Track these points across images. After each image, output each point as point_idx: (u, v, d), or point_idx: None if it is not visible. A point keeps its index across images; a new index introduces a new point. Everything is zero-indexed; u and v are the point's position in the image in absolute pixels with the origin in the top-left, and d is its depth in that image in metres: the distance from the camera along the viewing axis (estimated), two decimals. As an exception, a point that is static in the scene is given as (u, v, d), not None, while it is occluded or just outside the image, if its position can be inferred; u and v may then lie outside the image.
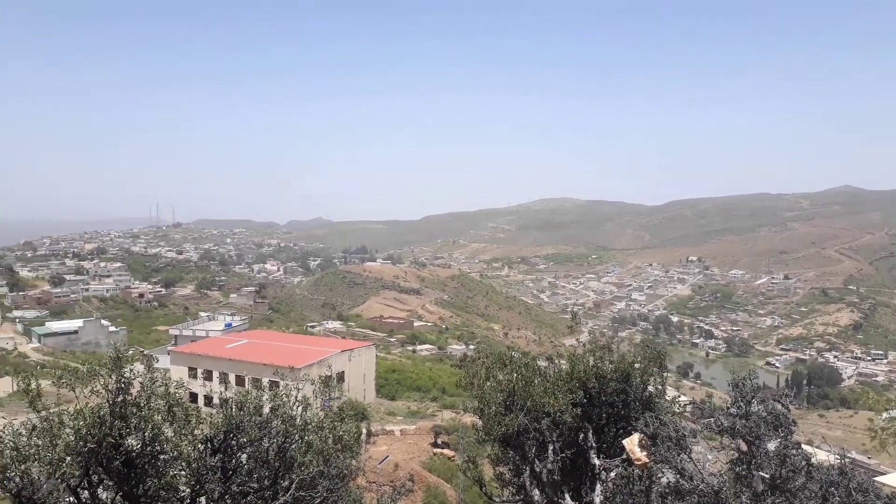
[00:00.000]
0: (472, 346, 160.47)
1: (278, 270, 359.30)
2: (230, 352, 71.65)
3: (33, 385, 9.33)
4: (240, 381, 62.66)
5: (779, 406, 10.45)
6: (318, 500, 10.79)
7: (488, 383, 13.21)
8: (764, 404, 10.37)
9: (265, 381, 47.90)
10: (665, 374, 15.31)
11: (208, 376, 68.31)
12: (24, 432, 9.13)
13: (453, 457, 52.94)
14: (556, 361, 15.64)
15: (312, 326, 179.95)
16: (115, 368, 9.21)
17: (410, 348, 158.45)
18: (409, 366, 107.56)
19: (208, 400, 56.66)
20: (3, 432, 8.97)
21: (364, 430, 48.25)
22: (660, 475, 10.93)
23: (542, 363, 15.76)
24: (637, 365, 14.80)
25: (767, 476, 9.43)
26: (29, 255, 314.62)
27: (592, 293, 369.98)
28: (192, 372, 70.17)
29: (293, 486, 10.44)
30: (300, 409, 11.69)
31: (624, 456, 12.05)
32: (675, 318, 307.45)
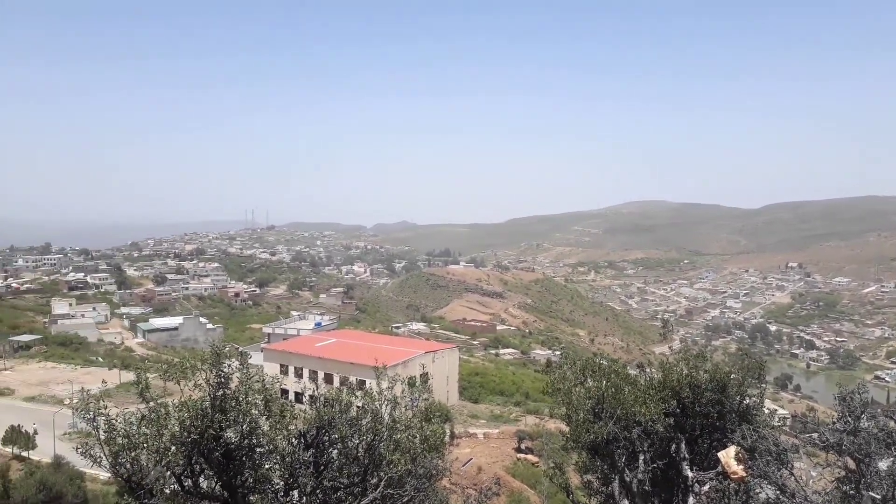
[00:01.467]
0: (556, 352, 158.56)
1: (365, 272, 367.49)
2: (319, 350, 73.79)
3: (143, 378, 9.96)
4: (328, 378, 64.52)
5: (891, 423, 9.77)
6: (406, 499, 10.94)
7: (576, 389, 12.99)
8: (874, 420, 9.72)
9: (353, 379, 49.02)
10: (763, 386, 14.59)
11: (299, 373, 70.66)
12: (134, 421, 9.75)
13: (537, 463, 52.39)
14: (647, 369, 15.21)
15: (397, 327, 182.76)
16: (215, 364, 9.68)
17: (493, 352, 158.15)
18: (492, 369, 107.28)
19: (299, 396, 58.59)
20: (116, 421, 9.59)
21: (447, 432, 48.58)
22: (758, 491, 10.45)
23: (632, 371, 15.38)
24: (733, 375, 14.20)
25: (879, 497, 8.83)
26: (135, 255, 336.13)
27: (684, 300, 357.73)
28: (284, 369, 72.79)
29: (382, 483, 10.62)
30: (388, 408, 11.90)
31: (719, 469, 11.56)
32: (773, 327, 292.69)
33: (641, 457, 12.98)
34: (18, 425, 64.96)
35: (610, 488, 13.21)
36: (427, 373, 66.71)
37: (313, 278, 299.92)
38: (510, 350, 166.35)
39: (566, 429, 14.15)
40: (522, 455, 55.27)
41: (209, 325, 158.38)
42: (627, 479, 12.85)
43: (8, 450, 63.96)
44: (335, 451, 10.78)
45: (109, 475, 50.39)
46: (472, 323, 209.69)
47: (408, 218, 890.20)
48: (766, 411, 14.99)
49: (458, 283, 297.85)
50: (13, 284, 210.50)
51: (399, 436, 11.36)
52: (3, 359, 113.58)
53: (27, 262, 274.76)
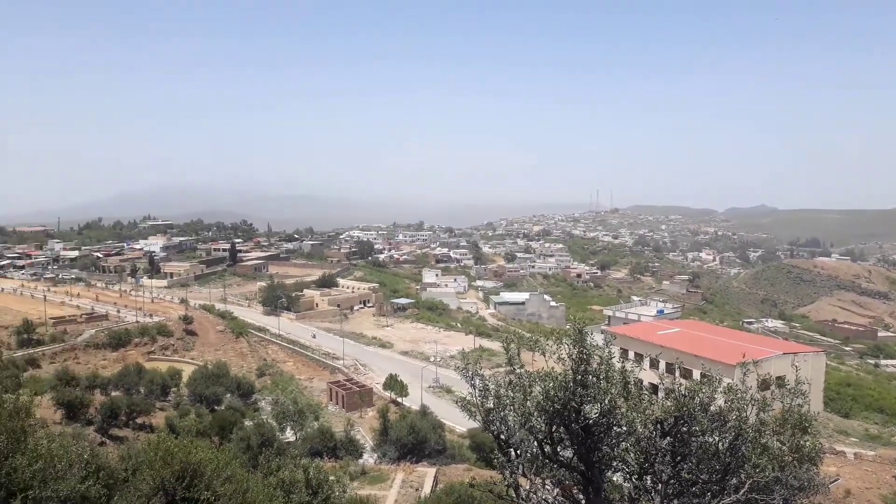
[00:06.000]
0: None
1: (714, 260, 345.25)
2: (662, 339, 71.77)
3: (512, 347, 10.79)
4: (669, 368, 62.38)
5: None
6: (774, 508, 9.97)
7: None
8: None
9: (696, 373, 46.63)
10: None
11: (638, 359, 69.81)
12: (503, 385, 10.64)
13: (928, 499, 43.50)
14: None
15: (749, 323, 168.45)
16: (578, 341, 9.98)
17: (871, 361, 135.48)
18: (869, 381, 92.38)
19: (639, 382, 57.86)
20: (489, 382, 10.58)
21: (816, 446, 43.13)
22: None
23: None
24: None
25: None
26: (490, 234, 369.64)
27: None
28: (623, 353, 72.57)
29: (746, 485, 9.84)
30: (754, 409, 10.95)
31: None
32: None
33: None
34: (395, 374, 76.82)
35: None
36: (783, 377, 60.09)
37: (656, 263, 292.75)
38: (894, 361, 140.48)
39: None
40: (907, 487, 46.42)
41: (552, 303, 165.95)
42: None
43: (387, 394, 76.09)
44: (694, 444, 10.30)
45: (464, 430, 55.95)
46: (845, 325, 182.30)
47: (767, 201, 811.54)
48: None
49: (828, 278, 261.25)
50: (395, 255, 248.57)
51: (767, 440, 10.38)
52: (387, 317, 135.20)
53: (405, 236, 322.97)
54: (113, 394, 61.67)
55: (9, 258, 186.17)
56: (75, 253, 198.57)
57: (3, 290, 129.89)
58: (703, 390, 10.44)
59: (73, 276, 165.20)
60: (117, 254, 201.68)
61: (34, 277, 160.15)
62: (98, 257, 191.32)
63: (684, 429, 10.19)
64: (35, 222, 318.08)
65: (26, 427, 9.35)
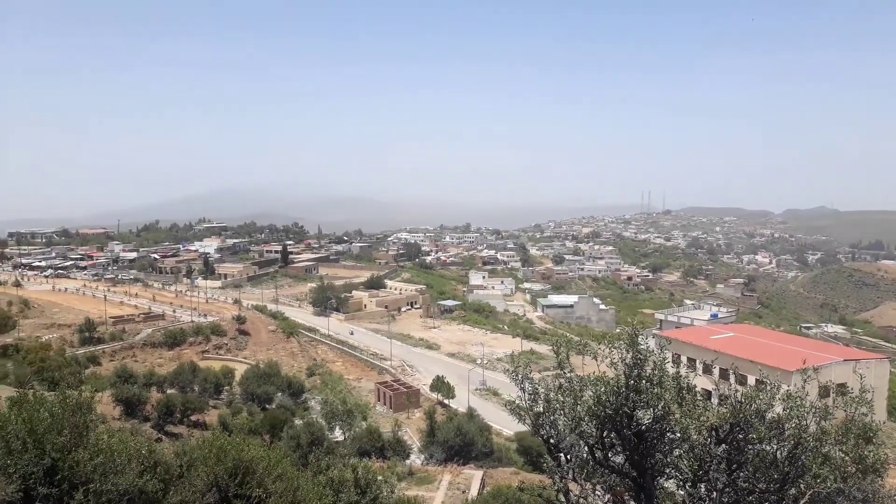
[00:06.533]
0: None
1: (770, 263, 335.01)
2: (715, 343, 70.01)
3: (562, 350, 10.64)
4: (723, 374, 60.70)
5: None
6: (837, 522, 9.57)
7: None
8: None
9: (752, 379, 45.28)
10: None
11: (691, 365, 68.13)
12: (552, 388, 10.50)
13: None
14: None
15: (807, 328, 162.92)
16: (632, 345, 9.79)
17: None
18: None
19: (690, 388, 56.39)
20: (539, 385, 10.46)
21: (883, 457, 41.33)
22: None
23: None
24: None
25: None
26: (537, 235, 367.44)
27: None
28: (675, 358, 70.99)
29: (807, 496, 9.47)
30: (814, 417, 10.54)
31: None
32: None
33: None
34: (442, 376, 76.84)
35: None
36: (843, 384, 57.72)
37: (710, 266, 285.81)
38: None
39: None
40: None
41: (602, 306, 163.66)
42: None
43: (434, 395, 76.18)
44: (751, 452, 9.97)
45: (511, 433, 55.46)
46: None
47: (826, 203, 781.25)
48: None
49: (893, 281, 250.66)
50: (441, 257, 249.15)
51: (828, 449, 9.97)
52: (433, 318, 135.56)
53: (452, 238, 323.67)
54: (168, 391, 63.43)
55: (72, 259, 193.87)
56: (134, 254, 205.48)
57: (66, 289, 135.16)
58: (761, 396, 10.10)
59: (132, 277, 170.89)
60: (173, 255, 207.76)
61: (95, 278, 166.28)
62: (155, 258, 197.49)
63: (740, 436, 9.88)
64: (97, 224, 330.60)
65: (88, 422, 9.67)
